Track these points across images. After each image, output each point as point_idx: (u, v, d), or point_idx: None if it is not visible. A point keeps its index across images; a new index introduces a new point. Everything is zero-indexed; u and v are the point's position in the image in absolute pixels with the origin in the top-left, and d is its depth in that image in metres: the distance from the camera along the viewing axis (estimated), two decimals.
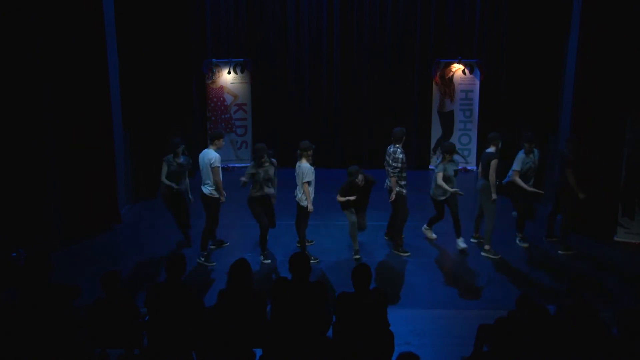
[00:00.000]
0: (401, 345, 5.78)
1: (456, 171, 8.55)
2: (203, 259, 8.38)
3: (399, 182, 8.47)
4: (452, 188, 8.37)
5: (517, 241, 9.07)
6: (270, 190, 8.23)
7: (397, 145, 8.48)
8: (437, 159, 8.81)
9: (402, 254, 8.72)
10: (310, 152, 8.09)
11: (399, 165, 8.39)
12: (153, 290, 5.50)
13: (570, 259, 8.60)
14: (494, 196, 8.38)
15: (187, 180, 8.88)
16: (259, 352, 5.28)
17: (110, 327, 5.29)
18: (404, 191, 8.57)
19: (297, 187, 8.18)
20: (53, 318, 5.20)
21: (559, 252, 8.77)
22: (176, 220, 8.91)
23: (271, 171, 8.22)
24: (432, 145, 13.68)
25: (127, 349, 5.41)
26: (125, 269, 8.04)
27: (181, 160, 8.70)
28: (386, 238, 9.12)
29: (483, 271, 8.31)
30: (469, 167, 13.41)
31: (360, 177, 8.05)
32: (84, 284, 6.17)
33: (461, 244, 8.73)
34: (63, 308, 5.33)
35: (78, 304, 5.54)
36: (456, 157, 8.69)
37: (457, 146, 13.26)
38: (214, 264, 8.38)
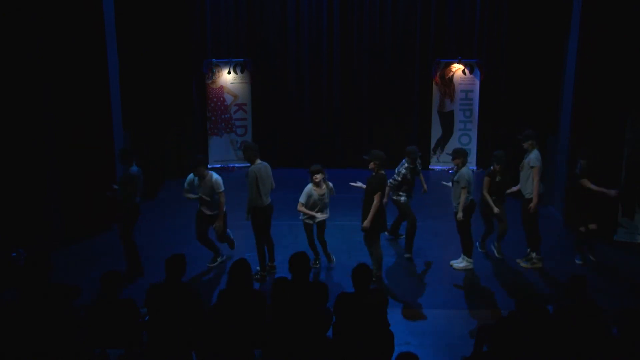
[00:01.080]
0: (401, 345, 5.79)
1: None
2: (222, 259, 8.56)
3: (396, 191, 8.58)
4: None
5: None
6: None
7: (407, 160, 8.59)
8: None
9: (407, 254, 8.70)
10: (317, 176, 7.92)
11: (398, 179, 8.52)
12: (153, 290, 5.50)
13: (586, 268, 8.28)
14: (495, 210, 8.24)
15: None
16: (259, 352, 5.29)
17: (110, 327, 5.29)
18: (402, 199, 8.62)
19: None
20: (53, 318, 5.20)
21: (577, 261, 8.43)
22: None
23: None
24: (432, 145, 13.68)
25: (127, 349, 5.40)
26: (125, 269, 8.03)
27: (130, 170, 7.97)
28: (388, 238, 9.09)
29: (483, 272, 8.31)
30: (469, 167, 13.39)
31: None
32: (84, 284, 6.18)
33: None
34: (63, 308, 5.33)
35: (78, 304, 5.54)
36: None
37: (457, 146, 13.32)
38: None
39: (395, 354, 4.39)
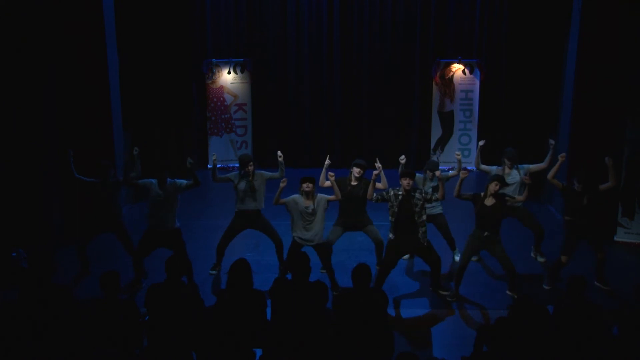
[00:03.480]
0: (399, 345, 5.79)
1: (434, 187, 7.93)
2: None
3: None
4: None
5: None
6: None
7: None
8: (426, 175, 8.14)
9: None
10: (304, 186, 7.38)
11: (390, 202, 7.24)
12: (153, 290, 5.50)
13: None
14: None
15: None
16: (259, 352, 5.29)
17: (110, 327, 5.29)
18: (390, 235, 7.36)
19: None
20: (53, 318, 5.21)
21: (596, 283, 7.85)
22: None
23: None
24: (432, 145, 13.68)
25: (127, 349, 5.41)
26: (125, 269, 8.01)
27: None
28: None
29: (483, 272, 8.31)
30: (468, 167, 13.39)
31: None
32: (84, 284, 6.19)
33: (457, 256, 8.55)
34: (63, 308, 5.33)
35: (78, 304, 5.54)
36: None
37: (457, 146, 13.32)
38: None
39: (395, 354, 4.40)
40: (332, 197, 7.49)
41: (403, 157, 7.98)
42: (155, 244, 7.65)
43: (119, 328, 5.30)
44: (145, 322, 5.48)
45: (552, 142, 8.44)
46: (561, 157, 7.88)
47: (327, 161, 7.88)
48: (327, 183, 7.67)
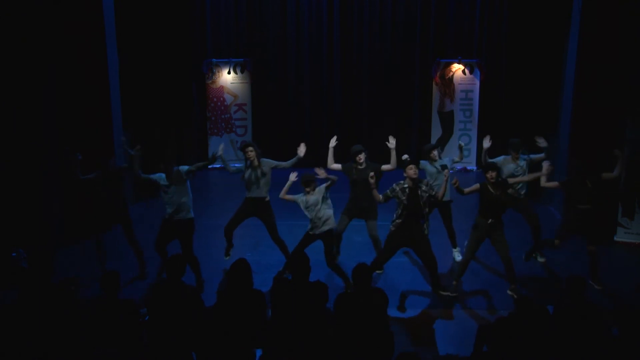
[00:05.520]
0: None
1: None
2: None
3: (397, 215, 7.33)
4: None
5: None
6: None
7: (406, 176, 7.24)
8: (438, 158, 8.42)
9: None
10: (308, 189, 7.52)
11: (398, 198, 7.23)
12: (153, 290, 5.50)
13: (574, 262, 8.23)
14: None
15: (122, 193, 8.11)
16: (259, 352, 5.29)
17: (110, 327, 5.29)
18: (391, 228, 7.39)
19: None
20: (53, 318, 5.20)
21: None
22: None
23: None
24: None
25: (127, 349, 5.40)
26: (125, 269, 8.02)
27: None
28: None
29: (484, 271, 8.30)
30: (468, 167, 13.41)
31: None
32: (84, 284, 6.18)
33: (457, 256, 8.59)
34: (63, 308, 5.33)
35: (79, 302, 5.54)
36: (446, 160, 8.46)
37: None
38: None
39: (395, 354, 4.39)
40: (329, 183, 7.53)
41: (407, 155, 8.04)
42: (171, 233, 7.69)
43: (119, 328, 5.29)
44: (145, 322, 5.48)
45: (543, 144, 8.31)
46: (549, 167, 7.87)
47: (333, 142, 7.96)
48: (335, 166, 8.03)
